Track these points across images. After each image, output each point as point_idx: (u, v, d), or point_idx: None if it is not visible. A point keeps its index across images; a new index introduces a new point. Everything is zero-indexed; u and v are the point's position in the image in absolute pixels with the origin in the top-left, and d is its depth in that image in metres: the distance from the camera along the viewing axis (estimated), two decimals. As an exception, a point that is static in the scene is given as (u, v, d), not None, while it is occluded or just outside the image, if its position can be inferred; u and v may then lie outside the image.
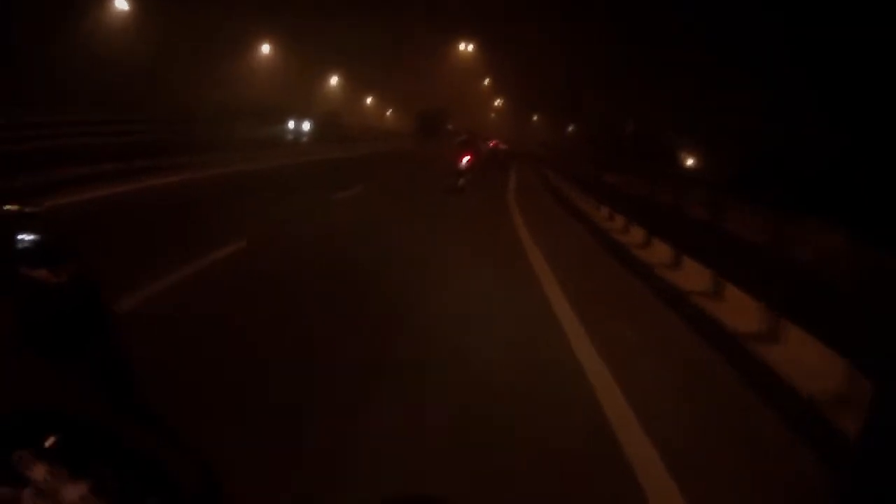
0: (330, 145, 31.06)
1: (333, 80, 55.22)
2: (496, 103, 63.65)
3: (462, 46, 60.84)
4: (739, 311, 6.22)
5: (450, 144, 22.02)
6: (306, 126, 35.88)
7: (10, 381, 0.90)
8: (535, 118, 60.63)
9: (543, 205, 18.44)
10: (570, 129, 53.51)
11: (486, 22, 57.46)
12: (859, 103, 21.35)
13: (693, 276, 7.79)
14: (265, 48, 46.52)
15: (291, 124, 35.32)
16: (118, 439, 0.90)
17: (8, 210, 1.08)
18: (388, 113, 65.43)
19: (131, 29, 32.40)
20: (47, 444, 0.85)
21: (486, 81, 62.03)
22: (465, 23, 59.26)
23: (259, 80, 43.50)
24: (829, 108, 23.70)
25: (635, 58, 40.27)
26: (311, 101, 46.56)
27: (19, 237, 1.02)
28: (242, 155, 19.05)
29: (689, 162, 42.75)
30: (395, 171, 23.45)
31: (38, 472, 0.82)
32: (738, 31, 30.22)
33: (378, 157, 30.47)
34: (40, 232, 1.04)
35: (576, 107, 51.03)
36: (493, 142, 36.06)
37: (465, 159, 17.99)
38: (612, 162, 23.59)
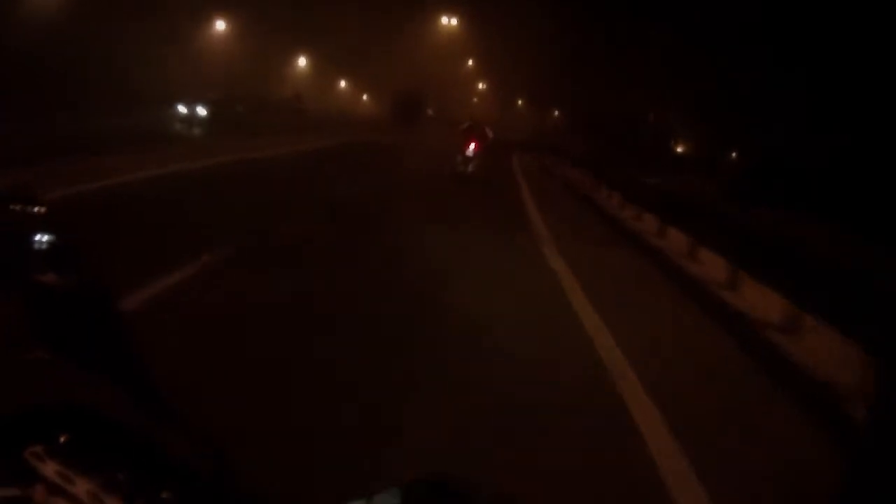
0: (248, 139, 20.55)
1: (301, 62, 50.11)
2: (479, 87, 58.51)
3: (444, 20, 54.95)
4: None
5: (426, 135, 19.00)
6: (201, 111, 27.13)
7: (23, 378, 0.93)
8: (519, 103, 55.54)
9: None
10: (556, 114, 48.94)
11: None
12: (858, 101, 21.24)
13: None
14: (220, 25, 41.57)
15: (182, 109, 27.08)
16: (131, 433, 0.89)
17: (22, 209, 1.04)
18: (364, 98, 60.40)
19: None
20: (60, 439, 0.85)
21: (470, 63, 56.83)
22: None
23: (210, 60, 38.65)
24: (828, 106, 23.32)
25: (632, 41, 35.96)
26: (267, 82, 41.50)
27: (33, 238, 0.99)
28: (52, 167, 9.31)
29: (679, 149, 41.06)
30: (330, 191, 12.22)
31: (50, 468, 0.82)
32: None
33: (318, 159, 19.74)
34: (52, 233, 1.00)
35: (569, 91, 46.04)
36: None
37: (472, 146, 18.12)
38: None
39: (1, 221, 0.99)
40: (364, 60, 51.11)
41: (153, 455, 0.85)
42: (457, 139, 18.83)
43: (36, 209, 1.01)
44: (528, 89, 52.20)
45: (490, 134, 19.91)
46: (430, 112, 55.01)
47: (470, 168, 17.81)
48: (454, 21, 53.94)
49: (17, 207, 1.00)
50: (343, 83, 57.38)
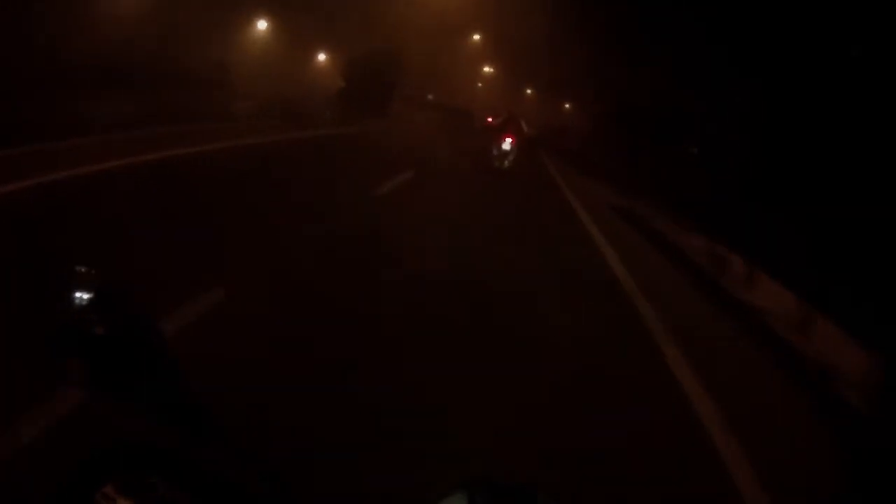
0: None
1: (262, 26, 40.09)
2: (485, 70, 47.84)
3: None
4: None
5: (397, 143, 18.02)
6: None
7: (87, 424, 1.04)
8: (528, 92, 45.03)
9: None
10: (567, 106, 39.34)
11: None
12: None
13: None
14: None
15: None
16: (192, 467, 0.92)
17: (67, 269, 1.13)
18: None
19: None
20: (126, 478, 0.88)
21: (476, 37, 46.11)
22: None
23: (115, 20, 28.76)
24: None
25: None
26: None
27: (76, 295, 1.06)
28: None
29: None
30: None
31: None
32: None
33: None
34: (93, 289, 1.07)
35: (603, 78, 36.61)
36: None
37: (508, 140, 17.97)
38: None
39: (50, 286, 1.05)
40: (346, 28, 41.01)
41: (215, 488, 0.88)
42: (487, 137, 18.61)
43: (79, 269, 1.06)
44: (547, 75, 41.64)
45: (526, 129, 19.39)
46: (430, 97, 44.74)
47: (506, 164, 17.87)
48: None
49: (62, 270, 1.06)
50: (322, 56, 47.26)
